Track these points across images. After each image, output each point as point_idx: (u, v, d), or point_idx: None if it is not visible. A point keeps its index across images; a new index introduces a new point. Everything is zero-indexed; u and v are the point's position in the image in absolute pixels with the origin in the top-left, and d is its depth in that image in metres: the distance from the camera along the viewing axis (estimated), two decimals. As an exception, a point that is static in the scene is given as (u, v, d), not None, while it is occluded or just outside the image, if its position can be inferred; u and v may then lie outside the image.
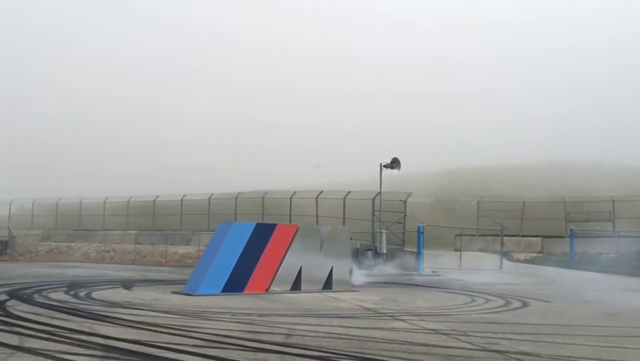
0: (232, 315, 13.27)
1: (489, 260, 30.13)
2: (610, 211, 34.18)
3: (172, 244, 36.54)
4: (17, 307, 13.72)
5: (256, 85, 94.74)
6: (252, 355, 9.05)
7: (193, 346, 9.53)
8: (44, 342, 9.63)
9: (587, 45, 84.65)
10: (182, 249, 35.05)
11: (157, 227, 42.51)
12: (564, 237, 33.29)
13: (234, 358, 8.68)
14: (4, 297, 15.64)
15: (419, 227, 28.21)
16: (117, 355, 8.77)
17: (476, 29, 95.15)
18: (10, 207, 48.47)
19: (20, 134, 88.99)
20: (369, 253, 29.01)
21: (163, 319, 12.46)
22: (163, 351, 9.11)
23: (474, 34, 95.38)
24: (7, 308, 13.48)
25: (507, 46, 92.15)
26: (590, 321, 14.08)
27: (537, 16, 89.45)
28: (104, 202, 45.93)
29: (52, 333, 10.39)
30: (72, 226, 46.08)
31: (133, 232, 40.95)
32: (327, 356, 9.07)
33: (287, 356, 9.00)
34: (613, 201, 34.18)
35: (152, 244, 36.70)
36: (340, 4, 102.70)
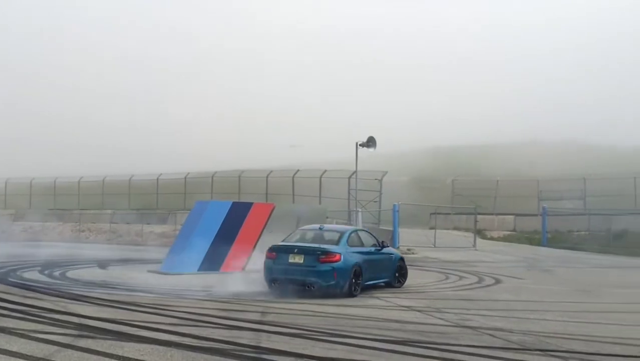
0: (208, 294, 13.29)
1: (464, 238, 30.46)
2: (581, 190, 34.73)
3: (149, 224, 36.36)
4: (-13, 287, 13.60)
5: (231, 66, 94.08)
6: (227, 332, 9.09)
7: (168, 324, 9.55)
8: (18, 321, 9.56)
9: (557, 23, 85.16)
10: (158, 228, 34.90)
11: (133, 206, 42.22)
12: (537, 215, 33.79)
13: (209, 336, 8.71)
14: (-24, 277, 15.47)
15: (394, 205, 28.38)
16: (92, 334, 8.75)
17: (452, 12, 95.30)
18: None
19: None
20: (345, 231, 29.12)
21: (139, 298, 12.45)
22: (138, 329, 9.11)
23: (450, 12, 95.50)
24: (-22, 288, 13.36)
25: (481, 25, 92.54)
26: (561, 298, 14.39)
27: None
28: (79, 181, 45.44)
29: (26, 313, 10.32)
30: (47, 205, 45.54)
31: (109, 211, 40.64)
32: (302, 333, 9.14)
33: (262, 334, 9.06)
34: (585, 179, 34.71)
35: (128, 223, 36.46)
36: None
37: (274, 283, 13.52)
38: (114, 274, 16.95)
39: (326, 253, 13.26)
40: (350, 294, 13.20)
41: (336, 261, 13.18)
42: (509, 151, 52.35)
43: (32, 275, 16.01)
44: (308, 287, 13.08)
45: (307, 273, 13.08)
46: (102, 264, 20.03)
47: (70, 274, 16.62)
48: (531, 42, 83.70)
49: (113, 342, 8.27)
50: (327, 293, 13.10)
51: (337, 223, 30.41)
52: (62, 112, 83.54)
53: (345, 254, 13.45)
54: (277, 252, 13.54)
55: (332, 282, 13.04)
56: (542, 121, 64.49)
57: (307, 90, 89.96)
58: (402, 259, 15.73)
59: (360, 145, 29.43)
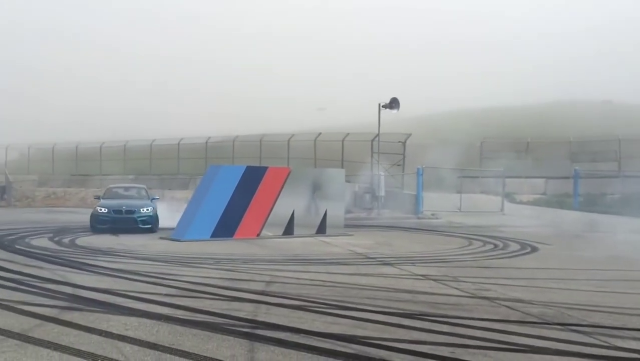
0: (216, 262, 12.78)
1: (491, 202, 29.54)
2: (616, 151, 33.32)
3: (170, 189, 36.04)
4: (-7, 254, 13.27)
5: (254, 33, 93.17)
6: (225, 304, 8.54)
7: (165, 295, 9.04)
8: (10, 292, 9.16)
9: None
10: (179, 194, 34.54)
11: (155, 171, 41.92)
12: (568, 178, 32.57)
13: (204, 308, 8.18)
14: (-16, 244, 15.20)
15: (418, 169, 27.53)
16: (81, 306, 8.29)
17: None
18: (6, 152, 47.77)
19: (15, 79, 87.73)
20: (367, 195, 28.47)
21: (143, 266, 11.99)
22: (131, 301, 8.62)
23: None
24: (-17, 256, 13.03)
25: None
26: (589, 265, 13.53)
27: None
28: (101, 147, 45.23)
29: (21, 282, 9.92)
30: (69, 171, 45.49)
31: (130, 177, 40.32)
32: (305, 305, 8.55)
33: (261, 306, 8.49)
34: (619, 140, 33.26)
35: (150, 188, 36.13)
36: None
37: None
38: (125, 241, 16.56)
39: None
40: None
41: None
42: (540, 112, 50.72)
43: (41, 242, 15.70)
44: None
45: None
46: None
47: (79, 241, 16.28)
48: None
49: (100, 315, 7.79)
50: None
51: (359, 187, 29.86)
52: (77, 75, 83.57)
53: None
54: None
55: None
56: (574, 81, 62.33)
57: (330, 51, 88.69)
58: None
59: (383, 106, 28.57)
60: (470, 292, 9.85)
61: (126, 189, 22.87)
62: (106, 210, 19.26)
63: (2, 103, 76.81)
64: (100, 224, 19.03)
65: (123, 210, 19.32)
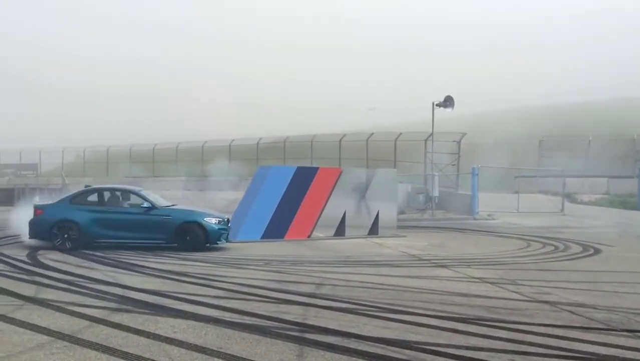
0: (266, 263, 12.63)
1: (550, 202, 28.57)
2: (683, 148, 31.69)
3: (221, 190, 36.17)
4: (48, 255, 13.45)
5: (305, 41, 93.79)
6: (273, 307, 8.36)
7: (213, 297, 8.92)
8: (60, 293, 9.22)
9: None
10: (230, 195, 34.65)
11: (206, 173, 42.20)
12: (632, 177, 31.23)
13: (253, 311, 8.02)
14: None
15: (473, 168, 26.84)
16: (130, 307, 8.25)
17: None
18: (62, 155, 48.96)
19: (69, 82, 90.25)
20: (421, 196, 27.93)
21: (192, 267, 11.94)
22: (179, 302, 8.53)
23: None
24: (38, 257, 13.23)
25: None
26: (657, 268, 12.85)
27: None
28: (153, 148, 45.93)
29: (72, 283, 9.99)
30: (123, 173, 46.24)
31: (182, 178, 40.66)
32: (355, 309, 8.29)
33: (311, 309, 8.27)
34: (686, 137, 31.60)
35: (201, 190, 36.37)
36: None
37: None
38: (176, 242, 16.58)
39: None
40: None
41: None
42: (601, 109, 48.91)
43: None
44: None
45: None
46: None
47: (131, 242, 16.36)
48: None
49: (149, 317, 7.72)
50: None
51: (412, 188, 29.35)
52: (129, 84, 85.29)
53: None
54: None
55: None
56: (635, 78, 59.93)
57: (382, 51, 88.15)
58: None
59: (437, 105, 27.98)
60: (530, 296, 9.41)
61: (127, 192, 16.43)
62: (219, 220, 15.18)
63: (57, 107, 79.22)
64: (218, 239, 15.04)
65: (226, 220, 15.59)
